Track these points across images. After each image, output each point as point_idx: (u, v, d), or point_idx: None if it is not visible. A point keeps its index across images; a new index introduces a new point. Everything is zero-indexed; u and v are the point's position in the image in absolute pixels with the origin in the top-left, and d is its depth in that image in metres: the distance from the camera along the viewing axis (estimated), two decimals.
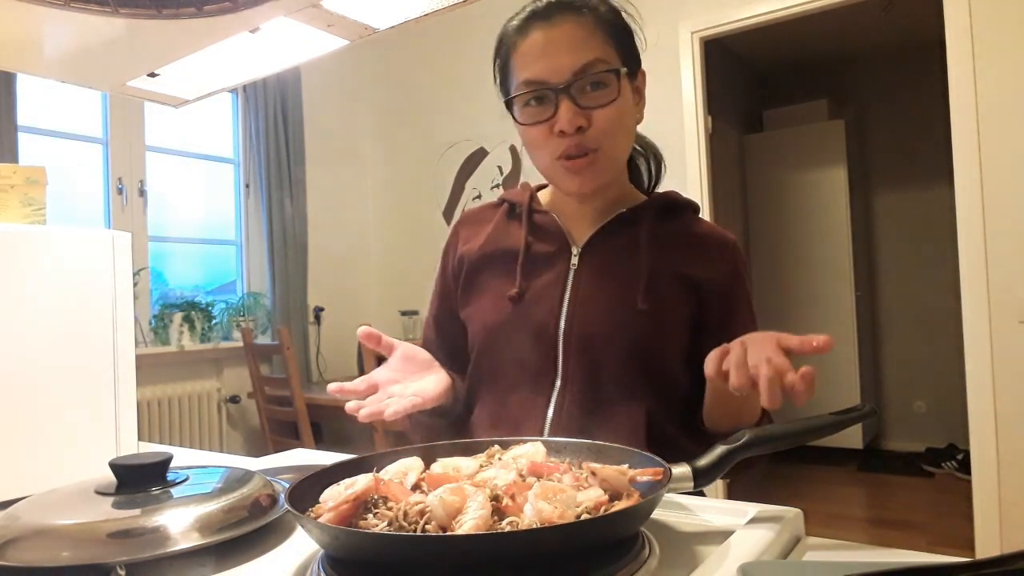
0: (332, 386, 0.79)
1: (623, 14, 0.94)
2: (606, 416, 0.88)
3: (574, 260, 0.95)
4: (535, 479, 0.60)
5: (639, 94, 0.96)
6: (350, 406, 0.77)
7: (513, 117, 0.93)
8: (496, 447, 0.71)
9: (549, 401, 0.91)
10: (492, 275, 0.99)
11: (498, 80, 0.97)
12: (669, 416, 0.91)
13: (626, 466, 0.63)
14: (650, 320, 0.89)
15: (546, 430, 0.90)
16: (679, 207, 0.99)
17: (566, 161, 0.88)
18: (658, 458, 0.61)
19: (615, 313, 0.90)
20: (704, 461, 0.61)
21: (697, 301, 0.92)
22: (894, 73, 4.57)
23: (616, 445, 0.68)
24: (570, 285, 0.94)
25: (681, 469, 0.60)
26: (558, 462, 0.66)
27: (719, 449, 0.62)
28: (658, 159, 1.08)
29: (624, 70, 0.89)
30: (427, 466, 0.67)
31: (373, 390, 0.81)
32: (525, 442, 0.70)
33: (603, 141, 0.88)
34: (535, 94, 0.88)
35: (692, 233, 0.97)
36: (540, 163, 0.93)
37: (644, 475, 0.59)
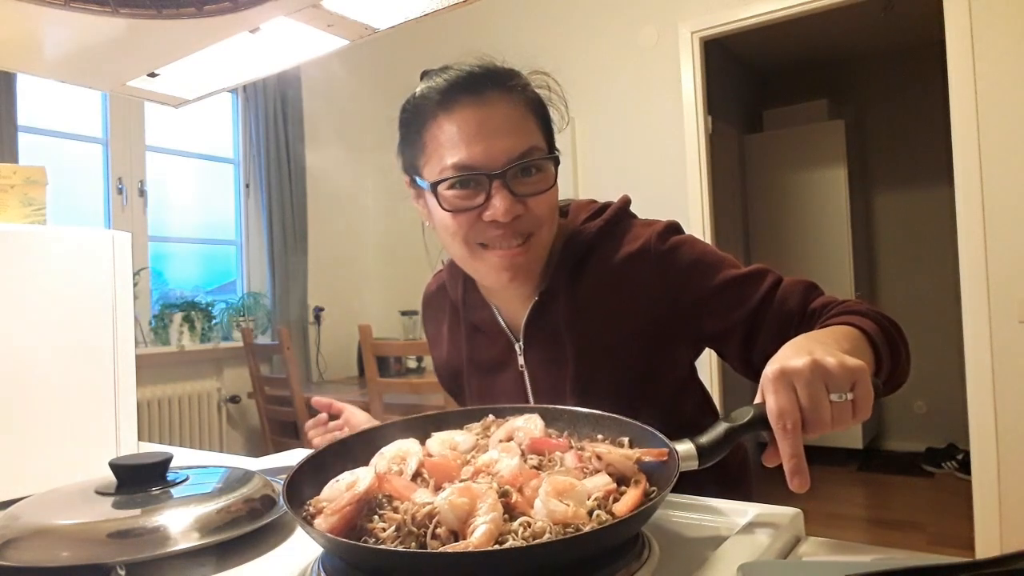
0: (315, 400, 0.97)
1: (545, 92, 0.88)
2: None
3: (521, 361, 0.92)
4: (537, 457, 0.60)
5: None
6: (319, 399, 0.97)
7: (427, 202, 0.84)
8: (491, 417, 0.70)
9: None
10: (462, 388, 1.00)
11: (404, 150, 0.89)
12: (683, 434, 0.90)
13: (627, 440, 0.62)
14: (593, 406, 0.85)
15: None
16: (591, 245, 0.89)
17: (498, 251, 0.82)
18: (661, 435, 0.60)
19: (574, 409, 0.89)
20: (707, 438, 0.60)
21: (661, 322, 0.86)
22: (894, 73, 4.57)
23: (614, 415, 0.67)
24: (530, 393, 0.93)
25: (685, 447, 0.59)
26: (557, 435, 0.65)
27: (722, 427, 0.61)
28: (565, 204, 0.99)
29: (557, 154, 0.85)
30: (421, 440, 0.66)
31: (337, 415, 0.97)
32: (521, 412, 0.69)
33: (537, 227, 0.83)
34: (464, 179, 0.80)
35: (613, 272, 0.87)
36: (459, 252, 0.86)
37: (649, 455, 0.58)
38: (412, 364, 3.75)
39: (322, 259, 3.91)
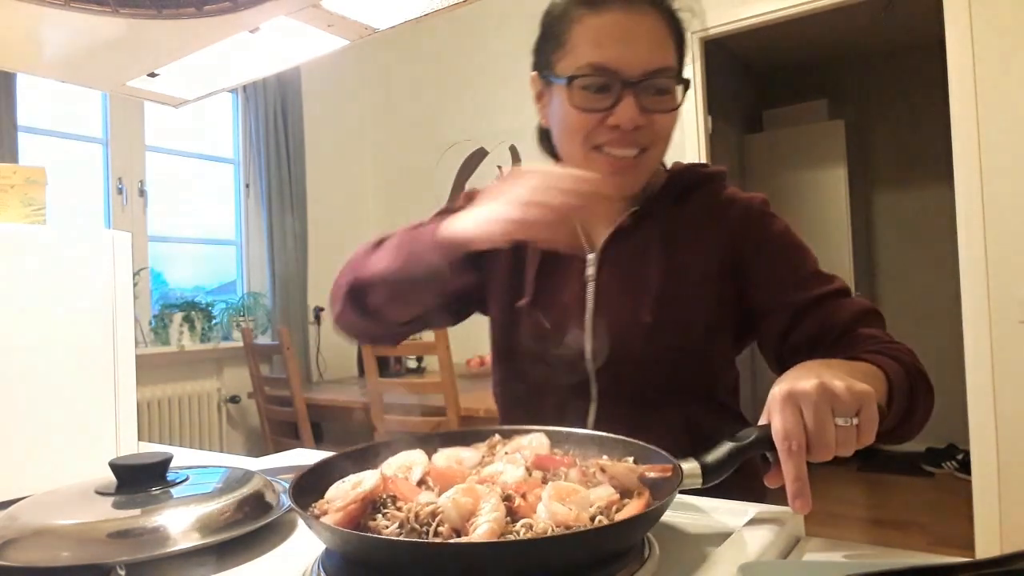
0: None
1: (687, 16, 0.90)
2: (646, 427, 0.80)
3: (590, 270, 0.91)
4: (541, 472, 0.60)
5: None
6: None
7: (566, 93, 0.84)
8: (497, 436, 0.70)
9: (587, 418, 0.90)
10: (499, 272, 0.96)
11: (541, 46, 0.90)
12: (711, 412, 0.90)
13: (631, 459, 0.63)
14: (668, 329, 0.86)
15: None
16: (699, 181, 0.93)
17: (611, 159, 0.83)
18: (665, 453, 0.61)
19: (636, 330, 0.86)
20: (712, 457, 0.60)
21: (732, 274, 0.88)
22: (894, 73, 4.57)
23: (619, 437, 0.67)
24: (590, 304, 0.90)
25: (689, 465, 0.59)
26: (562, 454, 0.65)
27: (727, 446, 0.61)
28: None
29: (687, 79, 0.86)
30: (428, 455, 0.66)
31: None
32: (527, 432, 0.70)
33: (653, 144, 0.84)
34: (600, 80, 0.81)
35: (712, 208, 0.91)
36: (573, 151, 0.86)
37: (652, 471, 0.58)
38: (412, 364, 3.75)
39: (322, 259, 3.91)
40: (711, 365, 0.92)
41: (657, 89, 0.82)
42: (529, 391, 0.94)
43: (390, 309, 0.85)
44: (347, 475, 0.60)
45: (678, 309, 0.87)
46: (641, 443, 0.64)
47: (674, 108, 0.85)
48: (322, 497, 0.58)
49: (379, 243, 0.86)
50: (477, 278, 0.98)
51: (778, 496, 0.70)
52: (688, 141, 3.10)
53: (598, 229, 0.92)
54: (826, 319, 0.83)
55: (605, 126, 0.82)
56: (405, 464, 0.63)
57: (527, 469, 0.60)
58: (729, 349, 0.94)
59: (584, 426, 0.88)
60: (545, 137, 0.95)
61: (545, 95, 0.90)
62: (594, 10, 0.83)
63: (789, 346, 0.85)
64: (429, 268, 0.75)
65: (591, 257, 0.91)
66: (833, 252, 4.29)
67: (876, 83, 4.64)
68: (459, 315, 1.02)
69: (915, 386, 0.75)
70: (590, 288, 0.90)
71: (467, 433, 0.73)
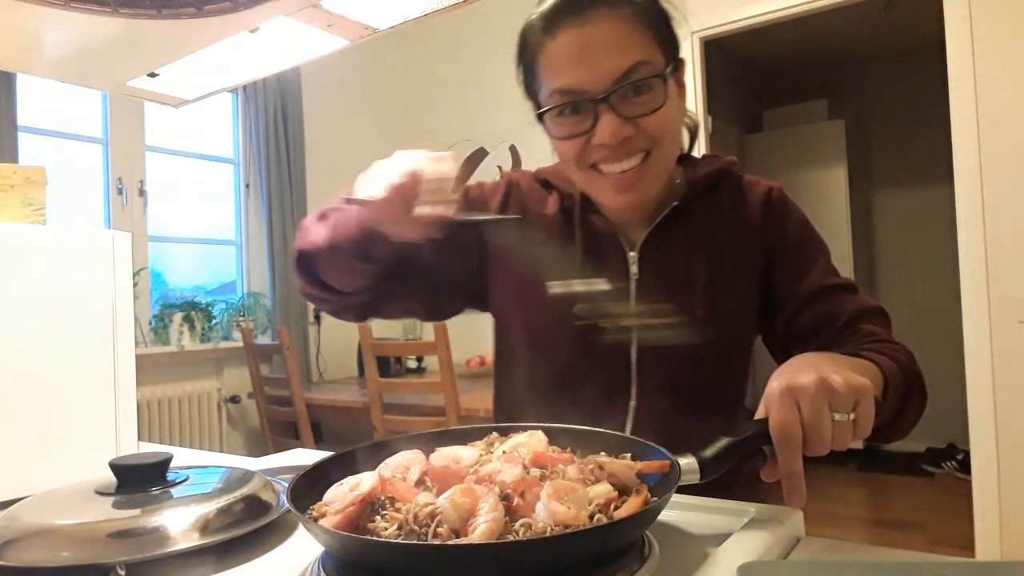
0: None
1: None
2: (687, 422, 0.80)
3: (633, 268, 0.88)
4: (539, 470, 0.60)
5: (682, 86, 0.84)
6: None
7: (545, 128, 0.84)
8: (495, 434, 0.70)
9: (626, 419, 0.87)
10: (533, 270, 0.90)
11: (523, 83, 0.87)
12: (738, 419, 0.90)
13: (629, 455, 0.63)
14: (718, 323, 0.85)
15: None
16: (722, 172, 0.91)
17: (613, 177, 0.80)
18: (663, 449, 0.61)
19: (682, 324, 0.83)
20: (710, 452, 0.60)
21: (764, 263, 0.89)
22: (894, 73, 4.57)
23: (617, 433, 0.67)
24: (633, 299, 0.87)
25: (687, 461, 0.59)
26: (560, 451, 0.65)
27: (724, 441, 0.61)
28: (693, 123, 0.99)
29: (669, 69, 0.80)
30: (425, 455, 0.66)
31: None
32: (524, 429, 0.70)
33: (653, 145, 0.80)
34: (569, 104, 0.79)
35: (738, 199, 0.90)
36: (576, 176, 0.84)
37: (651, 468, 0.58)
38: (412, 364, 3.75)
39: None
40: (748, 356, 0.92)
41: (637, 91, 0.77)
42: (561, 388, 0.89)
43: (334, 279, 0.83)
44: (345, 477, 0.60)
45: (726, 302, 0.87)
46: (639, 439, 0.64)
47: (660, 106, 0.78)
48: (320, 499, 0.58)
49: (323, 215, 0.82)
50: (466, 265, 0.94)
51: (779, 496, 0.70)
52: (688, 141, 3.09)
53: (634, 228, 0.89)
54: (831, 309, 0.85)
55: (593, 146, 0.79)
56: (403, 464, 0.63)
57: (524, 466, 0.60)
58: (751, 347, 0.94)
59: (623, 422, 0.87)
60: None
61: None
62: (549, 34, 0.79)
63: (793, 332, 0.87)
64: (351, 237, 0.75)
65: (632, 255, 0.88)
66: (833, 252, 4.19)
67: (876, 83, 4.64)
68: (441, 304, 0.96)
69: (910, 388, 0.75)
70: (633, 286, 0.88)
71: (464, 431, 0.72)
